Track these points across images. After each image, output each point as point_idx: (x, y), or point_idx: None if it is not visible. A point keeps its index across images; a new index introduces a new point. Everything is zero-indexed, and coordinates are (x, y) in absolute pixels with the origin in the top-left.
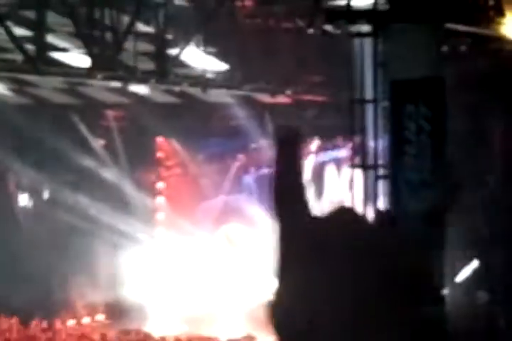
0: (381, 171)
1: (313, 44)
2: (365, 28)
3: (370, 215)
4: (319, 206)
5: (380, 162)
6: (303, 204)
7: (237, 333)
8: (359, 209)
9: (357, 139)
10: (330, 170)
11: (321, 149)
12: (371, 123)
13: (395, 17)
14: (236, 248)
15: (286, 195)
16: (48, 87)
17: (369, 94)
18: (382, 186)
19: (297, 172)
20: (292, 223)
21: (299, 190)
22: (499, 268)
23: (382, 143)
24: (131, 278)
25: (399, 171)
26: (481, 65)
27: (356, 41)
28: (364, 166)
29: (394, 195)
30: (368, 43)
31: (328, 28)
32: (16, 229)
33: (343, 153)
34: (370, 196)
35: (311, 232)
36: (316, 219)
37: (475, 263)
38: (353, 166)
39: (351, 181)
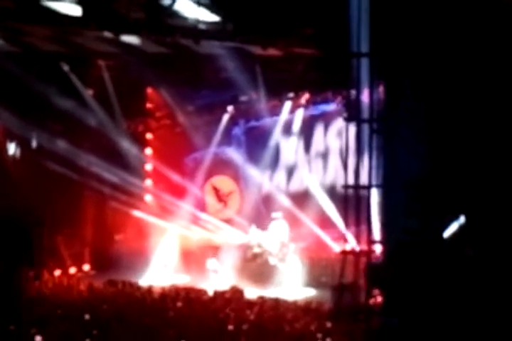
0: (375, 125)
1: None
2: None
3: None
4: (307, 159)
5: (374, 116)
6: None
7: (224, 285)
8: (351, 161)
9: (347, 93)
10: (319, 124)
11: (311, 103)
12: (366, 77)
13: None
14: (223, 200)
15: None
16: (40, 35)
17: (364, 48)
18: (375, 140)
19: None
20: None
21: None
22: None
23: (376, 98)
24: (119, 228)
25: (393, 125)
26: None
27: None
28: (359, 120)
29: (388, 149)
30: None
31: None
32: (5, 177)
33: (332, 106)
34: (363, 149)
35: None
36: None
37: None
38: (347, 120)
39: (340, 134)
